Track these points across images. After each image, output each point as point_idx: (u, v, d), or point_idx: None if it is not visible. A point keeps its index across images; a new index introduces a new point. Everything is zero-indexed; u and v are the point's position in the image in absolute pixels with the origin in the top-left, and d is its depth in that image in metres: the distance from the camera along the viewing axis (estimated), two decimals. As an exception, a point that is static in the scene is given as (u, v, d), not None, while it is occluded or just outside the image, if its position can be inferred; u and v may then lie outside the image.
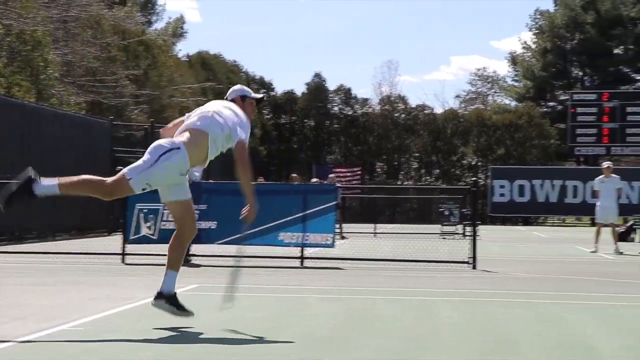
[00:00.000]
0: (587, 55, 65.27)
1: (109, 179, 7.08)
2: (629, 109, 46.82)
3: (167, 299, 7.31)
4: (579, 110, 47.70)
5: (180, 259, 7.49)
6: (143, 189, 7.16)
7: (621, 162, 50.67)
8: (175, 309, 7.30)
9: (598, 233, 20.88)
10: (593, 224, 31.70)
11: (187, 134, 7.25)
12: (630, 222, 28.98)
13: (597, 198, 21.28)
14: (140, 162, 7.12)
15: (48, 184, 6.97)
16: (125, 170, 7.10)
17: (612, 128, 46.79)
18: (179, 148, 7.11)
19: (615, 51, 66.07)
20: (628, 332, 7.62)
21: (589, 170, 42.89)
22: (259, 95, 8.00)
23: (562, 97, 63.40)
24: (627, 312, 9.20)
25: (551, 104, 67.68)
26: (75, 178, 7.01)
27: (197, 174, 15.79)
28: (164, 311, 7.32)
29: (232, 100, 7.74)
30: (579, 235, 30.45)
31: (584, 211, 43.39)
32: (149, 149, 7.21)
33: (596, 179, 21.50)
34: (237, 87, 8.02)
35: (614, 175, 21.11)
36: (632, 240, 27.64)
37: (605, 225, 20.95)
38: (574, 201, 45.43)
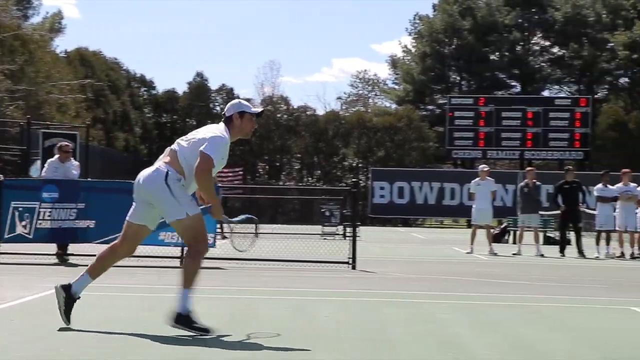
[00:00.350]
0: (464, 61, 66.93)
1: (195, 238, 7.10)
2: (504, 114, 48.19)
3: (68, 297, 7.15)
4: (457, 114, 48.85)
5: (101, 272, 7.36)
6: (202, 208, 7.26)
7: (496, 166, 52.21)
8: (63, 310, 7.13)
9: (474, 234, 21.39)
10: (469, 225, 32.50)
11: (168, 157, 7.22)
12: (505, 224, 29.82)
13: (473, 200, 21.75)
14: (171, 202, 7.03)
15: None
16: (178, 217, 7.03)
17: (487, 132, 48.08)
18: (168, 172, 7.07)
19: (491, 57, 67.95)
20: (496, 331, 7.87)
21: (466, 173, 44.06)
22: (258, 110, 7.55)
23: (441, 101, 64.80)
24: (497, 311, 9.49)
25: (430, 107, 69.11)
26: None
27: (75, 172, 15.51)
28: (56, 303, 7.16)
29: (230, 117, 7.33)
30: (455, 237, 31.17)
31: (461, 213, 44.46)
32: (145, 184, 7.13)
33: (472, 181, 21.97)
34: (235, 102, 7.51)
35: (489, 178, 21.57)
36: (506, 241, 28.47)
37: (481, 227, 21.47)
38: (452, 203, 46.55)
